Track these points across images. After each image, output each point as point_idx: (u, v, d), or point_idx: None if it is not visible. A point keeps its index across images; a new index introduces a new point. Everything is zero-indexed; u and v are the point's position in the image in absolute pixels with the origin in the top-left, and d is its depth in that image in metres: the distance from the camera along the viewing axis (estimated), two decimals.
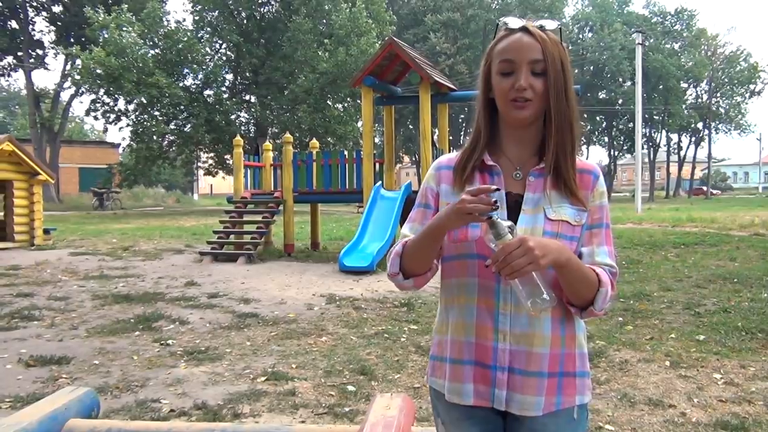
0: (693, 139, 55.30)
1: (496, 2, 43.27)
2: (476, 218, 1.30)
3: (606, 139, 54.59)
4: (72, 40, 33.54)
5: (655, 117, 50.01)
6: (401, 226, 1.59)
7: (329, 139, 29.42)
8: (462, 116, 43.38)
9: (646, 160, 51.91)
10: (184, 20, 42.01)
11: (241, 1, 29.74)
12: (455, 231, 1.43)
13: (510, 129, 1.48)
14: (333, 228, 18.36)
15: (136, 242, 13.93)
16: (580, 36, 50.79)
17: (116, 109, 30.34)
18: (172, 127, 29.56)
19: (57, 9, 35.13)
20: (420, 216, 1.54)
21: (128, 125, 30.25)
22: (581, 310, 1.43)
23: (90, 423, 2.93)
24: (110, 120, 30.86)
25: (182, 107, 28.23)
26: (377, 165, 11.98)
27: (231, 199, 12.79)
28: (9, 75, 38.87)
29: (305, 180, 12.19)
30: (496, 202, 1.28)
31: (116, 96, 28.83)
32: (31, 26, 35.61)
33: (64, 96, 37.80)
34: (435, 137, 13.49)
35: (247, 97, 32.85)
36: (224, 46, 32.36)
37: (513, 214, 1.43)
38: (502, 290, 1.41)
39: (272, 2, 31.34)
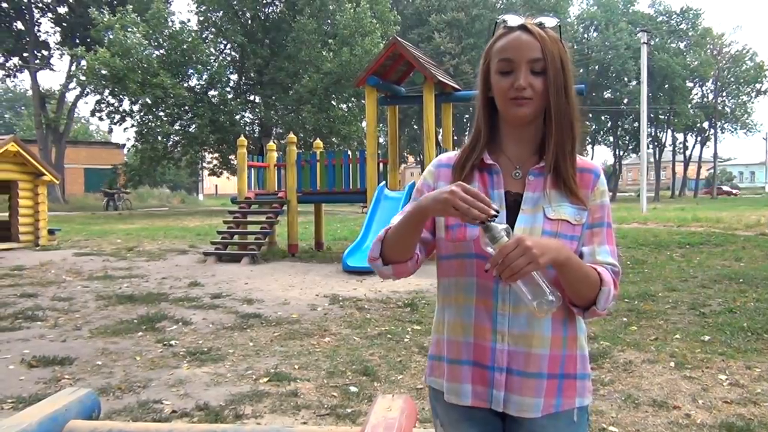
0: (699, 138, 55.08)
1: (500, 2, 43.21)
2: (466, 219, 1.27)
3: (611, 138, 54.46)
4: (77, 40, 33.62)
5: (660, 116, 49.87)
6: None
7: (333, 139, 29.42)
8: (466, 116, 43.32)
9: (652, 159, 51.74)
10: (189, 21, 41.95)
11: (246, 2, 29.77)
12: (453, 230, 1.41)
13: (510, 128, 1.46)
14: (337, 228, 18.36)
15: (141, 243, 13.96)
16: (585, 35, 50.67)
17: (121, 109, 30.44)
18: (176, 127, 29.62)
19: (62, 10, 35.23)
20: None
21: (133, 126, 30.34)
22: (584, 310, 1.41)
23: (90, 424, 2.92)
24: (115, 120, 30.96)
25: (187, 108, 28.28)
26: (381, 165, 11.98)
27: (235, 200, 12.80)
28: (15, 76, 39.05)
29: (309, 180, 12.19)
30: (491, 217, 1.25)
31: (121, 96, 28.91)
32: (36, 27, 35.70)
33: (70, 97, 37.95)
34: (440, 137, 13.48)
35: (252, 98, 32.88)
36: (229, 46, 32.41)
37: (512, 214, 1.42)
38: (501, 290, 1.39)
39: (277, 2, 31.36)
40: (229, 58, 32.68)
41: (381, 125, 21.44)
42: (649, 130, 42.13)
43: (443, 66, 29.10)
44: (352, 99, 29.40)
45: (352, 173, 11.96)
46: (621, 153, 55.30)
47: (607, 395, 4.13)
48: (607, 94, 50.43)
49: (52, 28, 38.88)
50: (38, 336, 5.87)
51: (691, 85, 50.98)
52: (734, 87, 52.78)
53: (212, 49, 30.87)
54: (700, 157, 56.19)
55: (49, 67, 37.97)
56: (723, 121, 53.69)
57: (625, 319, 6.35)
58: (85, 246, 13.36)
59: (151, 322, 6.37)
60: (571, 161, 1.42)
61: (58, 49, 36.95)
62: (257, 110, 31.48)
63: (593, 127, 52.94)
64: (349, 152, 12.59)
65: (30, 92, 40.39)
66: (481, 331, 1.42)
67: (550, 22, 1.41)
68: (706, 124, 52.88)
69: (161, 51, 28.25)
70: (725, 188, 59.79)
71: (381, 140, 26.88)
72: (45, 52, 36.80)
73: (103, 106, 30.99)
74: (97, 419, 3.09)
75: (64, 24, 35.42)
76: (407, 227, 1.40)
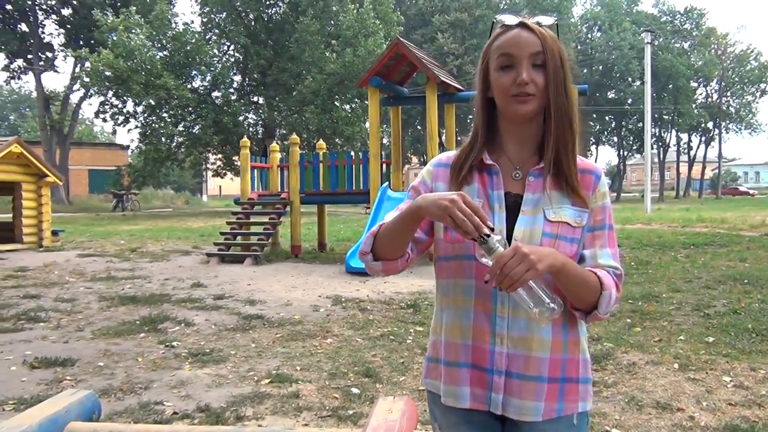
0: (703, 138, 54.99)
1: (504, 2, 43.17)
2: (459, 231, 1.26)
3: (615, 139, 54.39)
4: (81, 42, 33.74)
5: (664, 117, 49.78)
6: None
7: (337, 140, 29.44)
8: (470, 116, 43.17)
9: (656, 160, 51.65)
10: (192, 22, 42.15)
11: (249, 3, 29.83)
12: (452, 232, 1.39)
13: (510, 126, 1.44)
14: (341, 229, 18.34)
15: (144, 244, 13.98)
16: (589, 35, 50.62)
17: (125, 111, 30.52)
18: (180, 128, 29.68)
19: (66, 12, 35.36)
20: None
21: (137, 127, 30.44)
22: (586, 315, 1.40)
23: (91, 426, 2.91)
24: (119, 122, 31.06)
25: (190, 109, 28.34)
26: (384, 166, 11.96)
27: (238, 201, 12.81)
28: (19, 78, 39.19)
29: (312, 181, 12.18)
30: (487, 236, 1.24)
31: (125, 98, 29.01)
32: (40, 29, 35.85)
33: (74, 98, 38.10)
34: (444, 138, 13.50)
35: (255, 99, 32.92)
36: (232, 47, 32.48)
37: (512, 215, 1.40)
38: (500, 293, 1.37)
39: (280, 4, 31.40)
40: (232, 60, 32.75)
41: (384, 126, 21.44)
42: (653, 130, 42.00)
43: (446, 67, 29.05)
44: (356, 100, 29.41)
45: (355, 174, 11.95)
46: (625, 153, 55.23)
47: (611, 397, 4.10)
48: (610, 95, 50.36)
49: (56, 29, 39.05)
50: (40, 337, 5.87)
51: (695, 85, 50.89)
52: (739, 87, 52.66)
53: (216, 51, 30.95)
54: (704, 157, 56.08)
55: (54, 68, 38.15)
56: (727, 121, 53.58)
57: (628, 320, 6.32)
58: (88, 247, 13.39)
59: (154, 323, 6.36)
60: (572, 159, 1.40)
61: (62, 50, 37.12)
62: (260, 111, 31.52)
63: (597, 127, 52.90)
64: (352, 153, 12.57)
65: (34, 94, 40.53)
66: (479, 334, 1.40)
67: (547, 20, 1.40)
68: (710, 124, 52.77)
69: (165, 52, 28.33)
70: (742, 188, 59.44)
71: (384, 141, 26.89)
72: (49, 54, 36.96)
73: (107, 107, 31.08)
74: (98, 421, 3.08)
75: (68, 26, 35.55)
76: (401, 225, 1.39)
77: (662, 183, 51.06)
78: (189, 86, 28.96)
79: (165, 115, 29.04)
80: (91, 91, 31.87)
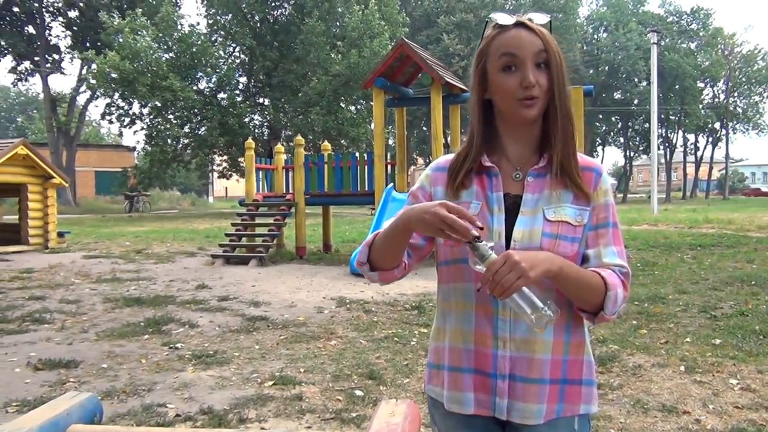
0: (710, 139, 54.74)
1: (509, 3, 43.09)
2: (449, 237, 1.25)
3: (621, 139, 54.22)
4: (88, 44, 33.87)
5: (671, 117, 49.60)
6: None
7: (342, 141, 29.43)
8: None
9: (663, 160, 51.47)
10: (198, 24, 42.29)
11: (255, 5, 29.86)
12: None
13: (510, 128, 1.42)
14: (346, 230, 18.34)
15: (150, 245, 14.01)
16: (595, 36, 50.48)
17: (131, 112, 30.61)
18: (186, 130, 29.74)
19: (73, 14, 35.50)
20: None
21: (143, 129, 30.52)
22: (593, 316, 1.37)
23: (92, 429, 2.90)
24: (125, 123, 31.14)
25: (196, 110, 28.40)
26: (389, 167, 11.94)
27: (243, 202, 12.81)
28: (26, 80, 39.33)
29: (317, 182, 12.18)
30: (477, 238, 1.22)
31: (131, 100, 29.08)
32: (47, 31, 35.99)
33: (81, 100, 38.19)
34: (449, 138, 13.45)
35: (261, 100, 32.96)
36: (238, 49, 32.53)
37: (511, 216, 1.38)
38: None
39: (285, 5, 31.44)
40: (238, 61, 32.80)
41: (390, 127, 21.42)
42: (659, 130, 41.87)
43: (452, 68, 29.03)
44: (361, 101, 29.41)
45: (360, 175, 11.94)
46: (631, 154, 55.05)
47: (616, 400, 4.07)
48: (617, 95, 50.21)
49: (62, 32, 39.19)
50: (45, 339, 5.87)
51: (702, 85, 50.71)
52: (746, 87, 52.43)
53: (221, 52, 30.99)
54: (711, 157, 55.84)
55: (60, 70, 38.29)
56: (734, 122, 53.33)
57: (634, 322, 6.28)
58: (94, 248, 13.43)
59: (158, 324, 6.36)
60: (573, 159, 1.38)
61: (68, 52, 37.29)
62: (266, 113, 31.56)
63: (603, 128, 52.75)
64: (357, 154, 12.56)
65: (41, 96, 40.69)
66: (481, 338, 1.38)
67: (541, 18, 1.37)
68: (717, 125, 52.55)
69: (171, 54, 28.39)
70: (764, 189, 59.05)
71: (390, 142, 26.87)
72: (56, 56, 37.12)
73: (113, 109, 31.18)
74: (100, 423, 3.07)
75: (75, 28, 35.69)
76: (393, 237, 1.38)
77: (669, 184, 50.81)
78: (195, 88, 29.02)
79: (171, 116, 29.12)
80: (98, 93, 31.99)
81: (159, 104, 27.70)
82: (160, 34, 27.40)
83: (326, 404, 4.07)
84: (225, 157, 33.25)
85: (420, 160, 50.50)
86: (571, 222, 1.36)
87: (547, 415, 1.37)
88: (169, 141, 29.33)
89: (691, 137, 55.07)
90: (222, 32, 31.87)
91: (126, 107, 30.52)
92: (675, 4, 52.20)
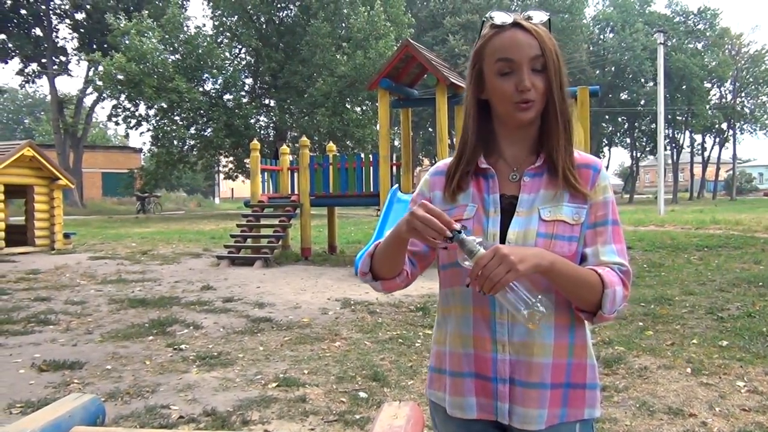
0: (717, 139, 54.51)
1: (515, 4, 43.03)
2: (428, 241, 1.25)
3: (628, 140, 54.04)
4: (94, 46, 33.99)
5: (678, 118, 49.39)
6: None
7: (348, 142, 29.45)
8: None
9: (669, 161, 51.25)
10: (204, 26, 42.42)
11: (260, 6, 29.91)
12: None
13: (507, 130, 1.40)
14: (351, 231, 18.33)
15: (155, 246, 14.03)
16: (601, 36, 50.35)
17: (137, 114, 30.71)
18: (192, 131, 29.83)
19: (80, 16, 35.64)
20: None
21: (149, 130, 30.59)
22: (592, 316, 1.33)
23: (94, 431, 2.90)
24: (131, 125, 31.23)
25: (202, 112, 28.47)
26: (395, 168, 11.93)
27: (248, 203, 12.83)
28: (33, 81, 39.52)
29: (322, 183, 12.17)
30: (450, 239, 1.22)
31: (137, 101, 29.17)
32: (54, 33, 36.18)
33: (87, 102, 38.33)
34: (455, 139, 13.49)
35: (266, 101, 33.02)
36: (243, 50, 32.58)
37: (507, 217, 1.36)
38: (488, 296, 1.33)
39: (291, 7, 31.48)
40: (243, 62, 32.86)
41: (395, 128, 21.41)
42: (666, 131, 41.65)
43: (457, 68, 28.97)
44: (366, 102, 29.41)
45: (365, 176, 11.93)
46: (638, 155, 54.85)
47: (621, 402, 4.04)
48: (623, 96, 50.03)
49: (69, 34, 39.49)
50: (50, 340, 5.88)
51: (709, 85, 50.48)
52: (753, 87, 52.20)
53: (227, 54, 31.05)
54: (718, 158, 55.61)
55: (67, 72, 38.42)
56: (742, 122, 53.10)
57: (640, 323, 6.24)
58: (100, 250, 13.46)
59: (162, 326, 6.36)
60: (569, 158, 1.36)
61: (75, 54, 37.42)
62: (272, 114, 31.61)
63: (610, 128, 52.59)
64: (362, 155, 12.55)
65: (49, 98, 40.88)
66: (480, 342, 1.36)
67: (539, 16, 1.34)
68: (724, 125, 52.31)
69: (177, 56, 28.48)
70: None
71: (396, 143, 26.86)
72: (63, 58, 37.27)
73: (119, 110, 31.28)
74: (102, 425, 3.06)
75: (82, 30, 35.84)
76: (390, 246, 1.38)
77: (676, 184, 50.65)
78: (201, 89, 29.09)
79: (177, 118, 29.19)
80: (104, 95, 32.12)
81: (165, 106, 27.78)
82: (167, 36, 27.49)
83: (330, 406, 4.06)
84: (231, 159, 33.33)
85: (426, 161, 50.46)
86: (568, 221, 1.34)
87: (550, 420, 1.34)
88: (175, 142, 29.41)
89: (698, 138, 54.85)
90: (228, 34, 31.94)
91: (132, 109, 30.63)
92: (682, 5, 51.91)
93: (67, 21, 36.11)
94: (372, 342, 5.77)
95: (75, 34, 36.62)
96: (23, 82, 39.02)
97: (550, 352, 1.33)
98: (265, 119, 32.75)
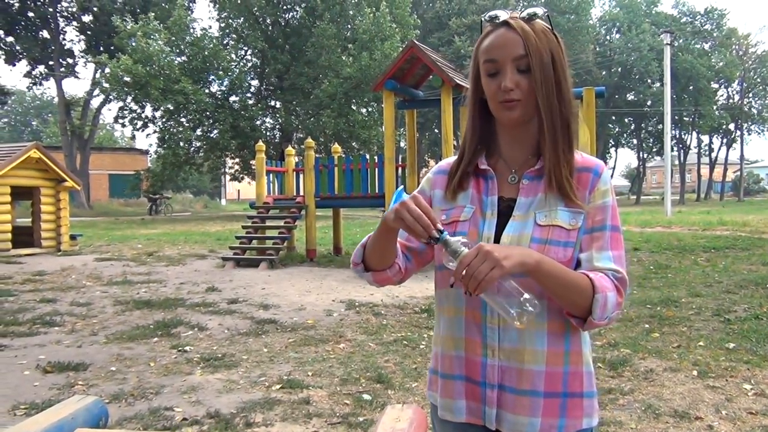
0: (724, 140, 54.26)
1: (521, 5, 42.97)
2: (413, 234, 1.24)
3: (635, 141, 53.85)
4: (101, 48, 34.11)
5: (685, 118, 49.17)
6: None
7: (353, 143, 29.45)
8: None
9: (676, 162, 51.05)
10: (210, 27, 42.50)
11: (266, 8, 29.95)
12: None
13: (505, 130, 1.39)
14: (357, 233, 18.31)
15: (161, 248, 14.06)
16: (608, 37, 50.18)
17: (143, 116, 30.79)
18: (198, 133, 29.87)
19: (87, 18, 35.77)
20: None
21: (155, 132, 30.67)
22: (583, 321, 1.29)
23: None
24: (137, 127, 31.32)
25: (208, 113, 28.51)
26: (400, 169, 11.91)
27: (253, 205, 12.84)
28: (41, 84, 39.69)
29: (327, 185, 12.17)
30: (436, 239, 1.21)
31: (143, 103, 29.25)
32: (61, 36, 36.28)
33: (94, 104, 38.50)
34: (460, 141, 13.48)
35: (272, 103, 33.05)
36: (249, 52, 32.63)
37: (504, 220, 1.34)
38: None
39: (297, 8, 31.50)
40: (249, 64, 32.90)
41: (401, 129, 21.38)
42: (673, 132, 41.54)
43: (463, 70, 28.96)
44: (372, 103, 29.41)
45: (370, 178, 11.92)
46: (645, 156, 54.62)
47: (627, 405, 4.01)
48: (630, 97, 49.86)
49: (77, 36, 39.67)
50: (55, 341, 5.89)
51: (716, 86, 50.23)
52: (761, 88, 51.93)
53: (233, 55, 31.12)
54: (726, 159, 55.35)
55: (74, 74, 38.59)
56: (749, 123, 52.82)
57: (647, 325, 6.20)
58: (106, 251, 13.50)
59: (167, 327, 6.37)
60: (566, 162, 1.32)
61: (82, 56, 37.55)
62: (278, 115, 31.64)
63: (616, 129, 52.43)
64: (367, 156, 12.54)
65: (56, 100, 41.05)
66: (471, 345, 1.35)
67: (530, 12, 1.32)
68: (732, 126, 52.05)
69: (183, 58, 28.54)
70: None
71: (401, 144, 26.83)
72: (70, 60, 37.40)
73: (125, 112, 31.37)
74: (105, 427, 3.06)
75: (89, 32, 35.96)
76: (379, 238, 1.37)
77: (683, 185, 50.42)
78: (207, 91, 29.14)
79: (183, 119, 29.24)
80: (111, 97, 32.21)
81: (171, 107, 27.85)
82: (173, 38, 27.56)
83: (333, 408, 4.05)
84: (237, 160, 33.38)
85: (431, 163, 50.41)
86: (564, 226, 1.31)
87: (545, 430, 1.31)
88: (181, 144, 29.46)
89: (705, 138, 54.60)
90: (234, 35, 32.01)
91: (139, 110, 30.71)
92: (688, 5, 51.62)
93: (75, 23, 36.25)
94: (376, 344, 5.76)
95: (82, 37, 36.75)
96: (31, 85, 39.41)
97: (542, 360, 1.30)
98: (271, 121, 32.79)
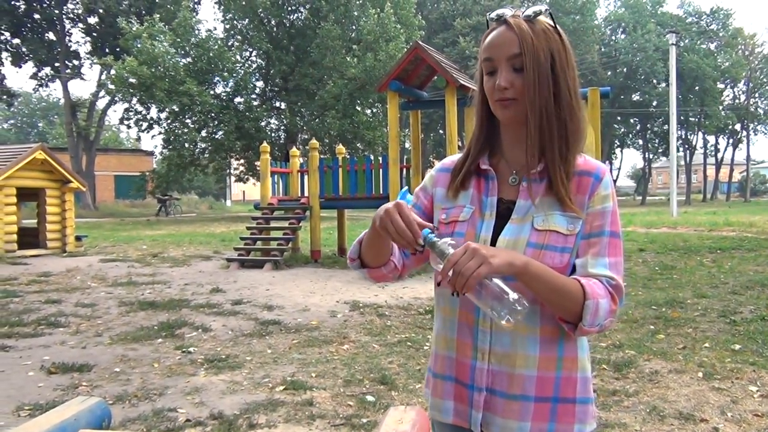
0: (730, 140, 54.04)
1: (526, 5, 42.92)
2: (400, 246, 1.24)
3: (640, 141, 53.67)
4: (107, 50, 34.24)
5: (690, 119, 49.01)
6: None
7: (358, 144, 29.45)
8: None
9: (682, 162, 50.88)
10: (215, 29, 42.60)
11: (271, 10, 30.00)
12: None
13: (506, 129, 1.37)
14: (361, 234, 18.30)
15: (166, 249, 14.08)
16: (613, 37, 50.06)
17: (149, 117, 30.90)
18: (203, 134, 29.94)
19: (92, 20, 35.91)
20: None
21: (160, 133, 30.76)
22: (575, 327, 1.26)
23: None
24: (143, 128, 31.42)
25: (213, 115, 28.56)
26: (404, 170, 11.90)
27: (258, 206, 12.85)
28: (47, 85, 39.85)
29: (331, 186, 12.16)
30: (422, 246, 1.21)
31: (149, 104, 29.33)
32: (67, 38, 36.43)
33: (100, 105, 38.63)
34: (465, 142, 13.46)
35: (277, 104, 33.10)
36: (254, 53, 32.68)
37: (503, 223, 1.33)
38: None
39: (301, 9, 31.54)
40: (254, 65, 32.95)
41: (406, 130, 21.37)
42: (679, 132, 41.42)
43: (468, 70, 28.94)
44: (377, 104, 29.41)
45: (375, 179, 11.91)
46: (650, 156, 54.45)
47: (632, 407, 3.99)
48: (635, 97, 49.69)
49: (82, 38, 39.74)
50: (59, 342, 5.91)
51: (722, 86, 50.04)
52: (767, 88, 51.67)
53: (238, 57, 31.16)
54: (732, 159, 55.11)
55: (80, 76, 38.71)
56: (756, 123, 52.61)
57: (652, 326, 6.18)
58: (111, 252, 13.53)
59: (171, 328, 6.38)
60: (562, 166, 1.29)
61: (88, 58, 37.70)
62: (282, 117, 31.68)
63: (622, 130, 52.28)
64: (372, 157, 12.54)
65: (62, 101, 41.20)
66: (462, 347, 1.35)
67: (530, 11, 1.30)
68: (738, 126, 51.84)
69: (188, 59, 28.60)
70: None
71: (406, 145, 26.83)
72: (76, 62, 37.55)
73: (131, 113, 31.48)
74: (108, 428, 3.06)
75: (94, 34, 36.10)
76: (373, 236, 1.36)
77: (689, 186, 50.20)
78: (212, 92, 29.20)
79: (188, 121, 29.32)
80: (116, 98, 32.32)
81: (176, 109, 27.92)
82: (178, 40, 27.63)
83: (337, 410, 4.04)
84: (242, 161, 33.44)
85: (436, 163, 50.34)
86: (562, 231, 1.29)
87: None
88: (186, 145, 29.54)
89: (711, 139, 54.47)
90: (239, 37, 32.07)
91: (144, 112, 30.83)
92: (694, 5, 51.48)
93: (80, 25, 36.38)
94: (380, 345, 5.75)
95: (88, 38, 36.90)
96: (37, 86, 39.54)
97: (534, 365, 1.29)
98: (276, 122, 32.84)
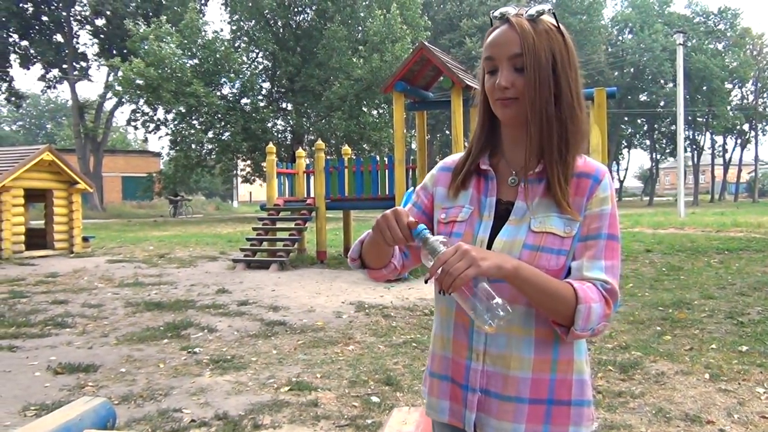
0: (738, 141, 53.77)
1: (530, 4, 42.79)
2: (396, 243, 1.26)
3: (648, 142, 53.51)
4: (114, 52, 34.38)
5: (698, 119, 48.81)
6: None
7: (364, 145, 29.46)
8: None
9: (690, 163, 50.65)
10: (222, 30, 42.63)
11: (277, 11, 30.05)
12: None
13: (507, 129, 1.37)
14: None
15: (173, 249, 14.12)
16: (620, 38, 49.93)
17: (155, 118, 31.01)
18: (210, 135, 30.02)
19: (100, 22, 36.07)
20: None
21: (167, 134, 30.87)
22: (568, 331, 1.25)
23: None
24: (150, 129, 31.54)
25: (220, 116, 28.64)
26: (410, 171, 11.90)
27: (264, 207, 12.86)
28: (55, 87, 40.14)
29: (337, 187, 12.17)
30: (426, 238, 1.22)
31: (155, 105, 29.43)
32: (75, 39, 36.60)
33: (107, 106, 38.77)
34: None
35: (284, 105, 33.15)
36: (261, 54, 32.75)
37: (501, 224, 1.32)
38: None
39: (307, 11, 31.59)
40: (261, 67, 33.02)
41: (412, 131, 21.36)
42: (686, 133, 41.18)
43: (474, 71, 28.89)
44: (383, 105, 29.41)
45: (381, 179, 11.91)
46: (658, 157, 54.29)
47: (638, 408, 3.97)
48: (642, 97, 49.54)
49: (90, 40, 39.78)
50: (66, 343, 5.93)
51: (730, 86, 49.80)
52: None
53: (244, 58, 31.23)
54: (740, 160, 54.85)
55: (88, 78, 38.90)
56: (764, 123, 52.34)
57: (658, 327, 6.15)
58: (118, 253, 13.58)
59: (177, 329, 6.39)
60: (561, 167, 1.28)
61: (95, 60, 37.88)
62: (289, 118, 31.73)
63: (629, 130, 52.11)
64: (378, 158, 12.53)
65: (70, 103, 41.39)
66: (458, 348, 1.35)
67: (532, 10, 1.29)
68: (746, 126, 51.59)
69: (195, 60, 28.68)
70: None
71: (412, 146, 26.80)
72: (83, 64, 37.72)
73: (138, 115, 31.61)
74: (113, 429, 3.07)
75: (102, 36, 36.25)
76: (373, 239, 1.37)
77: (696, 187, 49.99)
78: (218, 93, 29.28)
79: (195, 122, 29.41)
80: (124, 100, 32.45)
81: (183, 110, 28.01)
82: (185, 41, 27.71)
83: (342, 410, 4.04)
84: (248, 162, 33.51)
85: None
86: (559, 233, 1.27)
87: None
88: (193, 146, 29.62)
89: (719, 139, 54.18)
90: (245, 38, 32.15)
91: (151, 113, 30.94)
92: (701, 5, 51.28)
93: (88, 27, 36.53)
94: (386, 346, 5.75)
95: (95, 40, 37.04)
96: (45, 88, 39.61)
97: (529, 367, 1.28)
98: (282, 123, 32.89)
